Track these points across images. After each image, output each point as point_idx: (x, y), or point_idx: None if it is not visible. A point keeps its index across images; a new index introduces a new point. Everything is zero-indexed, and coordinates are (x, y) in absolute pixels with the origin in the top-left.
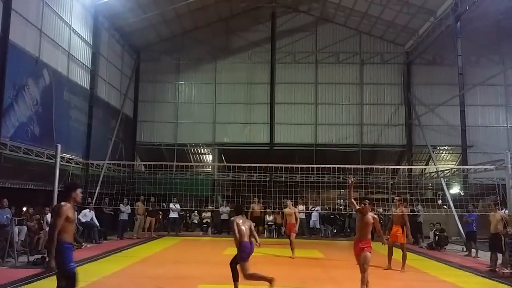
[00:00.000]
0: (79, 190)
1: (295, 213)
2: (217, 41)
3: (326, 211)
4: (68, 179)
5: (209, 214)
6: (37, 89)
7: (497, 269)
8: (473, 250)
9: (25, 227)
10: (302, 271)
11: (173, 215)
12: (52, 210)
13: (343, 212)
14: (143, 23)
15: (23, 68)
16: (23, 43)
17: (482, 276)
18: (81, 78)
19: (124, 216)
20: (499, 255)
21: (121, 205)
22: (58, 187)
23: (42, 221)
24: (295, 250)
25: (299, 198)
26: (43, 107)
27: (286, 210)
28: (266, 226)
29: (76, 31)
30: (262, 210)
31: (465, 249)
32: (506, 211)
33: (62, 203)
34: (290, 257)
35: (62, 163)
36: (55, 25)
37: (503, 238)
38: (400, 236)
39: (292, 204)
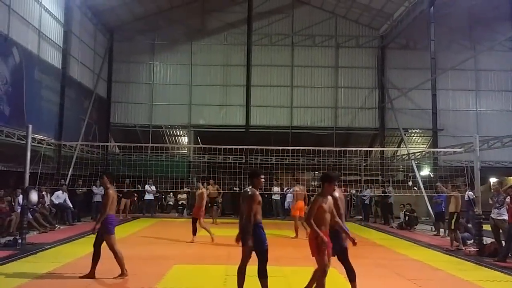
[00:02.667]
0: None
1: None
2: (193, 22)
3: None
4: (40, 160)
5: (184, 196)
6: (6, 68)
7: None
8: (441, 230)
9: None
10: (276, 251)
11: (148, 196)
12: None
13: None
14: (117, 1)
15: None
16: None
17: (449, 254)
18: (53, 57)
19: (97, 198)
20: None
21: (93, 187)
22: (29, 168)
23: (13, 203)
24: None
25: (274, 179)
26: (13, 87)
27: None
28: None
29: (47, 8)
30: (218, 192)
31: (434, 229)
32: (470, 192)
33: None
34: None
35: (33, 144)
36: (24, 2)
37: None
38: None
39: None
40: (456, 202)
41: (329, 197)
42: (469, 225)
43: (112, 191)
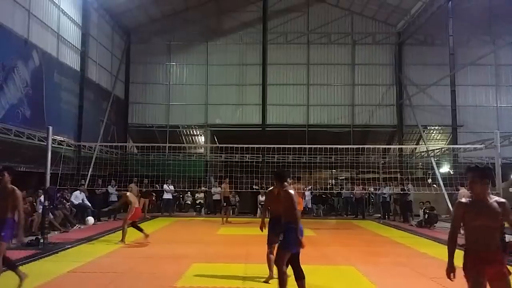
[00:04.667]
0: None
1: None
2: (209, 22)
3: (317, 191)
4: (60, 161)
5: (202, 195)
6: (26, 71)
7: None
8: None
9: None
10: None
11: (166, 196)
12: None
13: (334, 192)
14: (133, 3)
15: (11, 49)
16: (11, 24)
17: None
18: (71, 60)
19: (113, 198)
20: None
21: (109, 186)
22: (50, 169)
23: (35, 204)
24: None
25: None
26: (33, 89)
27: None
28: (259, 206)
29: (65, 11)
30: (231, 190)
31: None
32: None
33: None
34: None
35: (54, 145)
36: (43, 6)
37: None
38: None
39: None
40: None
41: (291, 191)
42: None
43: (18, 192)
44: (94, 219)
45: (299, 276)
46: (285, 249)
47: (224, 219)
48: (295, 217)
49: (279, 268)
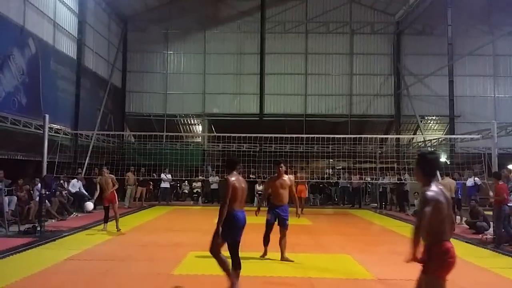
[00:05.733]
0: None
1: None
2: (206, 10)
3: (314, 180)
4: (57, 150)
5: (199, 184)
6: (23, 58)
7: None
8: (458, 217)
9: (15, 197)
10: (291, 238)
11: (164, 185)
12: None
13: (331, 181)
14: None
15: (7, 37)
16: (7, 11)
17: (466, 242)
18: (68, 48)
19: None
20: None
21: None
22: (47, 158)
23: (32, 192)
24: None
25: (288, 167)
26: (29, 77)
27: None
28: (256, 195)
29: None
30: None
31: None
32: (476, 178)
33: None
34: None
35: (50, 133)
36: None
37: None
38: None
39: None
40: (445, 187)
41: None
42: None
43: None
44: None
45: (238, 266)
46: (226, 240)
47: None
48: (232, 206)
49: (216, 254)
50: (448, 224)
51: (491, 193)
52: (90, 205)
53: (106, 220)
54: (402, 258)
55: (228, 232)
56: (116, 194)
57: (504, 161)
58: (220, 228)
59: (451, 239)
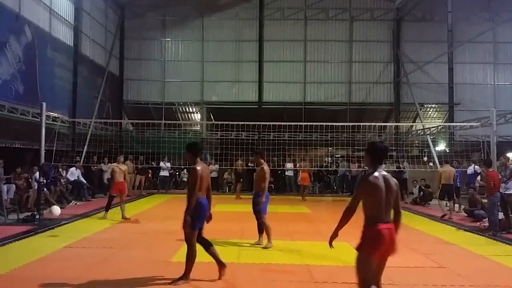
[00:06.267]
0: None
1: None
2: None
3: (313, 168)
4: (54, 138)
5: None
6: (19, 46)
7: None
8: (456, 205)
9: (14, 186)
10: (290, 225)
11: (163, 173)
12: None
13: (330, 169)
14: None
15: (3, 24)
16: None
17: (464, 229)
18: (64, 35)
19: (107, 175)
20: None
21: (102, 164)
22: (44, 146)
23: (30, 180)
24: None
25: (287, 155)
26: (26, 65)
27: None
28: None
29: None
30: (244, 168)
31: (453, 206)
32: (476, 166)
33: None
34: None
35: (48, 121)
36: None
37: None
38: None
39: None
40: (444, 175)
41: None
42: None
43: None
44: (90, 196)
45: (209, 244)
46: (195, 228)
47: (238, 194)
48: (198, 195)
49: (192, 244)
50: (386, 208)
51: (478, 179)
52: (57, 209)
53: (108, 208)
54: (400, 245)
55: (198, 220)
56: (126, 184)
57: (503, 149)
58: (189, 218)
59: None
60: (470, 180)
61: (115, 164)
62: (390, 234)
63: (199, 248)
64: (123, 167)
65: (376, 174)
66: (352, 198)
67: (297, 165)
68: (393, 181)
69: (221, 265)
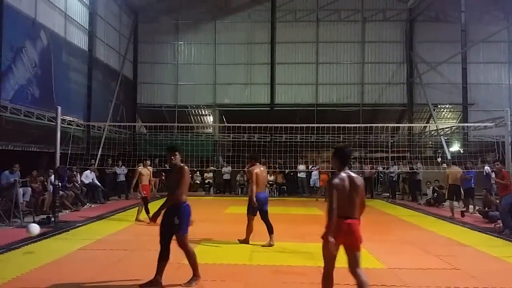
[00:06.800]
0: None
1: None
2: (216, 0)
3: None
4: (69, 141)
5: (211, 174)
6: (35, 51)
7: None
8: (471, 206)
9: (30, 189)
10: (301, 227)
11: None
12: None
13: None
14: None
15: (19, 29)
16: (18, 4)
17: (478, 231)
18: (79, 40)
19: (121, 178)
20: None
21: (116, 167)
22: (60, 149)
23: (46, 183)
24: None
25: (299, 157)
26: (42, 69)
27: None
28: (267, 185)
29: None
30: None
31: (463, 205)
32: (487, 167)
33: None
34: None
35: (63, 125)
36: None
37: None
38: None
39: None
40: (451, 176)
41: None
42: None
43: None
44: (104, 199)
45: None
46: (185, 231)
47: None
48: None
49: (188, 248)
50: (350, 205)
51: (493, 176)
52: (35, 228)
53: (147, 210)
54: (413, 247)
55: (186, 224)
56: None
57: None
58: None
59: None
60: (487, 182)
61: (141, 167)
62: (349, 228)
63: (207, 249)
64: (149, 170)
65: (342, 175)
66: (327, 198)
67: (310, 167)
68: (359, 179)
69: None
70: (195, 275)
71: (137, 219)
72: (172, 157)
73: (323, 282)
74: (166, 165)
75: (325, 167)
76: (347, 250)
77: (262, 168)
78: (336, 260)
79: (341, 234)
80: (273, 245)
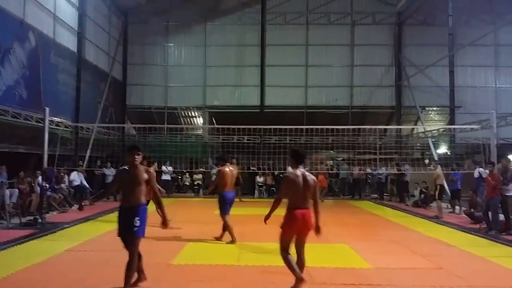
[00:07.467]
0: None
1: None
2: (206, 2)
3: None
4: (58, 142)
5: (200, 176)
6: (23, 52)
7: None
8: (457, 207)
9: (17, 190)
10: None
11: (165, 177)
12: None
13: (331, 173)
14: None
15: (7, 30)
16: (6, 4)
17: (464, 231)
18: (68, 41)
19: (110, 179)
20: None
21: (104, 168)
22: (47, 150)
23: (33, 184)
24: None
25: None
26: (30, 71)
27: None
28: (256, 186)
29: None
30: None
31: (449, 207)
32: (481, 168)
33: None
34: None
35: (51, 126)
36: None
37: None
38: None
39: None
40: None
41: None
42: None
43: None
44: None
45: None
46: (142, 235)
47: (239, 198)
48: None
49: (136, 254)
50: (303, 198)
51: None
52: None
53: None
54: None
55: (145, 227)
56: None
57: (504, 152)
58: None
59: None
60: (478, 183)
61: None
62: (302, 217)
63: (196, 250)
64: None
65: (297, 172)
66: (278, 191)
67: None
68: (311, 177)
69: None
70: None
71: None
72: (136, 157)
73: (285, 262)
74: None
75: (319, 169)
76: (299, 234)
77: (231, 168)
78: (291, 243)
79: (297, 222)
80: (220, 240)
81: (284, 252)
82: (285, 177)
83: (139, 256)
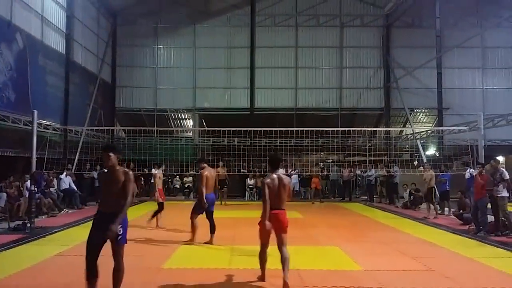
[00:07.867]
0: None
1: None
2: (196, 4)
3: (305, 174)
4: (46, 146)
5: (190, 178)
6: (10, 54)
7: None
8: (446, 209)
9: (5, 194)
10: None
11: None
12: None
13: (321, 174)
14: None
15: None
16: None
17: (453, 232)
18: (56, 43)
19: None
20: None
21: (93, 172)
22: (36, 154)
23: (21, 188)
24: None
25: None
26: (17, 73)
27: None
28: (247, 189)
29: None
30: (226, 174)
31: (438, 208)
32: (472, 170)
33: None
34: None
35: (39, 129)
36: None
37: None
38: None
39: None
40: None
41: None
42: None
43: None
44: (81, 204)
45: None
46: (125, 242)
47: (224, 202)
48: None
49: (123, 262)
50: (279, 199)
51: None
52: None
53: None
54: (389, 249)
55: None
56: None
57: (492, 153)
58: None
59: None
60: (469, 184)
61: (159, 171)
62: (277, 217)
63: (186, 254)
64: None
65: (273, 176)
66: (262, 193)
67: (289, 171)
68: (286, 179)
69: None
70: None
71: (158, 226)
72: (110, 157)
73: (260, 258)
74: (145, 170)
75: (309, 171)
76: (276, 232)
77: (212, 170)
78: (269, 240)
79: (271, 221)
80: (211, 244)
81: (262, 248)
82: (262, 183)
83: (95, 273)
